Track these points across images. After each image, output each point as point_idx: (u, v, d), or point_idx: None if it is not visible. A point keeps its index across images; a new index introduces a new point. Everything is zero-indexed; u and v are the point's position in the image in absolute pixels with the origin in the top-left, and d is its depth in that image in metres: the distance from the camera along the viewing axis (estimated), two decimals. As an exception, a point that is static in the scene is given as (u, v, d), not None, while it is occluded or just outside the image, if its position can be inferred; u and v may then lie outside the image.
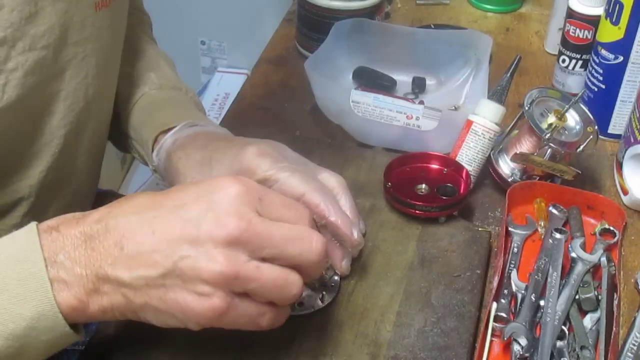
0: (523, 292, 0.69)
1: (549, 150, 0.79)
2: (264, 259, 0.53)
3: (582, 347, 0.65)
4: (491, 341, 0.65)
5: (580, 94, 0.82)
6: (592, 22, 0.94)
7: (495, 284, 0.70)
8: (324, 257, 0.55)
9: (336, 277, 0.69)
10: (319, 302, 0.67)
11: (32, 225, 0.54)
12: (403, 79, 1.01)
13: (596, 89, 0.92)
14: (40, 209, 0.74)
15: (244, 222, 0.51)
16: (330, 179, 0.71)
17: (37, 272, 0.51)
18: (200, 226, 0.51)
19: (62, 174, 0.74)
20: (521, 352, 0.64)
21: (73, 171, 0.77)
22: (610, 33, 0.87)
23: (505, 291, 0.70)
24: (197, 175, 0.70)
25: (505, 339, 0.65)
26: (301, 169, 0.68)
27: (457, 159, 0.82)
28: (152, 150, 0.78)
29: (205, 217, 0.51)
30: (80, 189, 0.82)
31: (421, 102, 0.92)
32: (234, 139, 0.75)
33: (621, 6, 0.85)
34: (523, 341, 0.64)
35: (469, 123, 0.82)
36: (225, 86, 1.90)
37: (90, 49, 0.70)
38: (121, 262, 0.52)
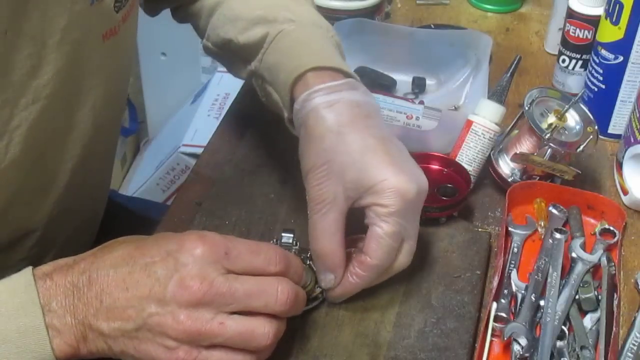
0: (523, 292, 0.69)
1: (549, 150, 0.79)
2: (233, 312, 0.56)
3: (582, 347, 0.65)
4: (491, 341, 0.65)
5: (580, 94, 0.82)
6: (592, 22, 0.94)
7: (495, 284, 0.70)
8: (292, 305, 0.58)
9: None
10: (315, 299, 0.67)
11: (29, 274, 0.56)
12: (403, 79, 1.01)
13: (596, 89, 0.92)
14: (48, 240, 0.74)
15: (205, 284, 0.55)
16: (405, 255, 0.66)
17: (37, 326, 0.54)
18: (166, 287, 0.55)
19: (71, 205, 0.74)
20: (521, 352, 0.64)
21: (81, 201, 0.76)
22: (610, 33, 0.87)
23: (505, 291, 0.70)
24: (330, 150, 0.64)
25: (505, 339, 0.65)
26: (402, 232, 0.64)
27: (457, 159, 0.82)
28: (292, 94, 0.68)
29: (171, 278, 0.55)
30: (88, 214, 0.81)
31: (421, 102, 0.92)
32: (391, 157, 0.65)
33: (621, 6, 0.85)
34: (523, 341, 0.64)
35: (469, 123, 0.81)
36: (225, 86, 1.89)
37: (98, 79, 0.69)
38: (101, 314, 0.55)
